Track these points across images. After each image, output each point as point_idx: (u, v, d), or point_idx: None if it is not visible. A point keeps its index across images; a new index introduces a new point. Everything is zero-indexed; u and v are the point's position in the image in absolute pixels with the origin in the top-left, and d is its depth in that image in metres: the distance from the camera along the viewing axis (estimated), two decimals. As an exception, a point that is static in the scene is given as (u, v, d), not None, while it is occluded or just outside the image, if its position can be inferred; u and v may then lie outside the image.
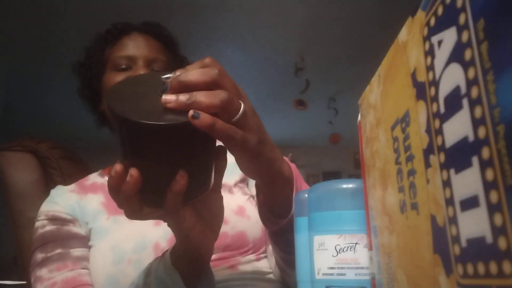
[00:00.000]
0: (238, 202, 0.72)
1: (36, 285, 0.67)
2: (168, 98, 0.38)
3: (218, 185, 0.46)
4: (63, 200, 0.76)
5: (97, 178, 0.83)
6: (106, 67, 0.81)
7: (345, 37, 3.03)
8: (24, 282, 0.92)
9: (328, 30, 2.95)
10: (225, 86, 0.41)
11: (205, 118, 0.37)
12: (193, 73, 0.40)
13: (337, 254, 0.39)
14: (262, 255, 0.71)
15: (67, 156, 1.03)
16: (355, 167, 5.21)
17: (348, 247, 0.39)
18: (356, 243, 0.38)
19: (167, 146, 0.39)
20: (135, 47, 0.79)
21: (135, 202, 0.40)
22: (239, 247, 0.68)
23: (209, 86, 0.40)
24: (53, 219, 0.73)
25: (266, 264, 0.71)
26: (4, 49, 2.99)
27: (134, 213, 0.42)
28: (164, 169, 0.40)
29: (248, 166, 0.46)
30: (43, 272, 0.68)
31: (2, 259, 3.51)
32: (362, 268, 0.38)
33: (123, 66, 0.77)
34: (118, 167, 0.39)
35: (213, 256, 0.66)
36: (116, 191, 0.40)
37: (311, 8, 2.71)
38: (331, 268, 0.39)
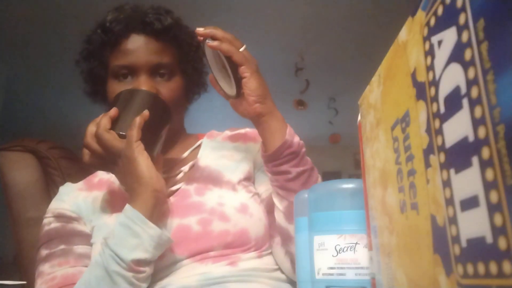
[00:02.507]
0: (241, 200, 0.73)
1: (37, 280, 0.69)
2: (199, 28, 0.66)
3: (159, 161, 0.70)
4: (70, 198, 0.77)
5: (104, 175, 0.83)
6: (108, 72, 0.77)
7: (345, 37, 3.03)
8: (24, 282, 0.92)
9: (328, 30, 2.95)
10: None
11: (214, 42, 0.64)
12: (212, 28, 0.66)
13: (337, 254, 0.39)
14: (264, 253, 0.71)
15: (67, 156, 1.03)
16: (355, 167, 5.20)
17: (348, 247, 0.39)
18: (356, 243, 0.38)
19: (141, 103, 0.68)
20: (135, 54, 0.73)
21: (109, 122, 0.65)
22: (240, 244, 0.68)
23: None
24: (59, 217, 0.74)
25: (268, 261, 0.71)
26: (4, 49, 2.99)
27: (104, 128, 0.63)
28: (137, 112, 0.66)
29: (249, 81, 0.65)
30: (45, 267, 0.69)
31: (2, 259, 3.51)
32: (362, 268, 0.38)
33: (124, 72, 0.74)
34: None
35: (214, 253, 0.67)
36: (99, 119, 0.65)
37: (311, 8, 2.71)
38: (331, 268, 0.39)
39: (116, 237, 0.60)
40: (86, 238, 0.72)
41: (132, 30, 0.75)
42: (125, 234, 0.59)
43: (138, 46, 0.74)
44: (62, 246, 0.70)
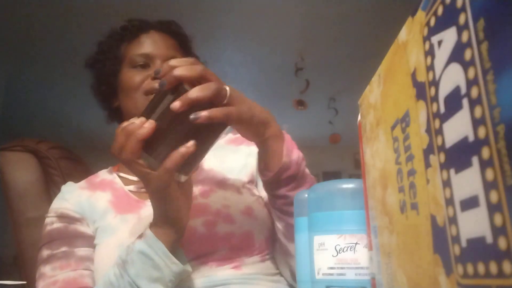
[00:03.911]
0: (246, 203, 0.72)
1: (39, 282, 0.68)
2: (175, 104, 0.48)
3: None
4: (73, 197, 0.77)
5: (106, 175, 0.83)
6: (123, 64, 0.81)
7: (345, 36, 3.03)
8: (24, 282, 0.92)
9: (328, 30, 2.95)
10: (211, 78, 0.51)
11: (202, 114, 0.49)
12: (183, 69, 0.50)
13: (337, 254, 0.39)
14: (267, 256, 0.71)
15: (67, 156, 1.03)
16: (355, 167, 5.21)
17: (348, 247, 0.39)
18: (356, 243, 0.38)
19: (185, 116, 0.49)
20: (152, 45, 0.79)
21: (138, 148, 0.50)
22: (245, 247, 0.68)
23: (198, 79, 0.50)
24: (62, 217, 0.74)
25: (270, 265, 0.71)
26: (4, 48, 2.99)
27: (131, 157, 0.50)
28: (178, 135, 0.50)
29: (247, 130, 0.56)
30: (46, 269, 0.69)
31: (2, 259, 3.51)
32: (362, 268, 0.38)
33: (141, 63, 0.78)
34: (142, 118, 0.51)
35: (219, 255, 0.67)
36: (130, 133, 0.50)
37: (311, 8, 2.71)
38: (331, 268, 0.39)
39: (136, 266, 0.57)
40: (88, 239, 0.72)
41: (151, 27, 0.83)
42: (146, 264, 0.57)
43: (156, 39, 0.81)
44: (64, 248, 0.70)
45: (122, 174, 0.82)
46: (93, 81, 0.88)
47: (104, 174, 0.83)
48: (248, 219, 0.70)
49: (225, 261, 0.67)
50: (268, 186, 0.63)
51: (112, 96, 0.85)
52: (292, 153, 0.61)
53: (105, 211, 0.74)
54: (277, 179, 0.60)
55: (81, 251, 0.70)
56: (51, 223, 0.74)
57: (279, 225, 0.67)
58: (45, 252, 0.70)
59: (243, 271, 0.67)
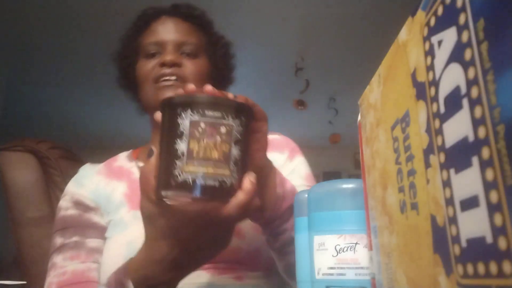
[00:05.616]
0: None
1: (51, 271, 0.69)
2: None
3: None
4: (90, 182, 0.76)
5: (125, 162, 0.81)
6: (139, 55, 0.81)
7: (345, 37, 3.03)
8: (24, 282, 0.92)
9: (328, 30, 2.95)
10: None
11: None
12: None
13: (337, 254, 0.39)
14: (272, 271, 0.70)
15: (67, 156, 1.03)
16: (355, 167, 5.20)
17: (348, 247, 0.38)
18: (356, 243, 0.38)
19: None
20: (163, 32, 0.79)
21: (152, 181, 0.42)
22: (251, 263, 0.67)
23: None
24: (77, 204, 0.73)
25: (274, 280, 0.70)
26: (4, 49, 2.99)
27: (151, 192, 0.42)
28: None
29: (264, 136, 0.50)
30: (59, 258, 0.69)
31: (2, 259, 3.51)
32: (362, 268, 0.38)
33: (153, 52, 0.78)
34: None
35: (223, 265, 0.66)
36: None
37: (311, 8, 2.71)
38: (331, 268, 0.39)
39: None
40: (100, 231, 0.72)
41: (163, 12, 0.82)
42: None
43: (167, 24, 0.80)
44: (76, 238, 0.70)
45: (141, 164, 0.79)
46: (117, 74, 0.88)
47: (123, 160, 0.82)
48: (258, 236, 0.68)
49: (228, 271, 0.66)
50: (267, 225, 0.57)
51: (135, 88, 0.84)
52: (284, 182, 0.55)
53: (119, 204, 0.73)
54: (277, 213, 0.54)
55: (92, 242, 0.70)
56: (66, 208, 0.73)
57: (280, 265, 0.62)
58: (59, 240, 0.70)
59: (244, 282, 0.66)
